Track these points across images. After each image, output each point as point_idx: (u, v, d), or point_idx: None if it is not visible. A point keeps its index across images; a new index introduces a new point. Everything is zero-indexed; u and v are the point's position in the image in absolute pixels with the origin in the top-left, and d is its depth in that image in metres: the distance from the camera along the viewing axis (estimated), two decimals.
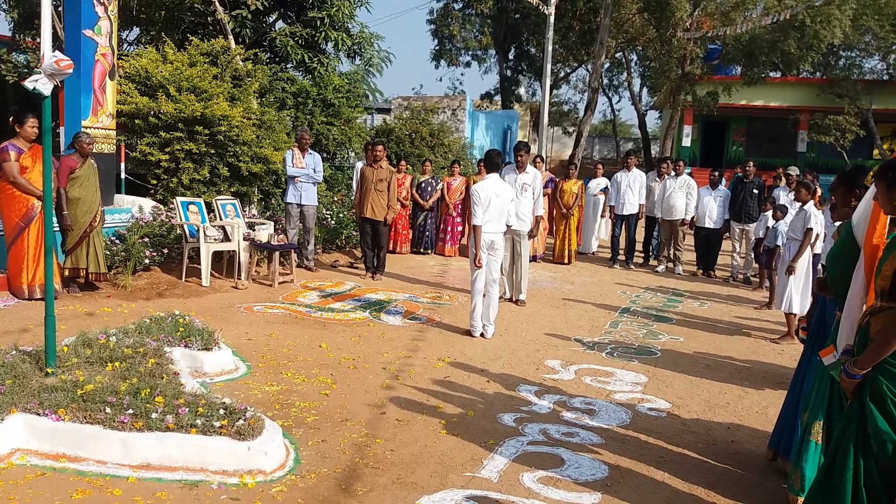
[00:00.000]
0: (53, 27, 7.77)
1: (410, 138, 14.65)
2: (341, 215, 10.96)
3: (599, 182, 12.77)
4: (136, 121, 9.22)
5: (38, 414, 3.66)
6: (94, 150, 7.51)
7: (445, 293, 8.70)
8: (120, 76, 9.21)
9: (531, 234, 8.32)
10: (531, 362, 5.97)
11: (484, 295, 6.66)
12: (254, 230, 8.77)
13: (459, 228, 12.03)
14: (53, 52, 4.35)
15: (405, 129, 14.83)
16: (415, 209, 11.80)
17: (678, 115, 22.29)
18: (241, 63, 10.73)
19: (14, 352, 4.52)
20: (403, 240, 11.79)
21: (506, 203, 6.71)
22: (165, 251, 8.27)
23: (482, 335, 6.64)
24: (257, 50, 11.37)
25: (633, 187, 11.50)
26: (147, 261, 8.00)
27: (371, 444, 4.08)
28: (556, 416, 4.73)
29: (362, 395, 4.88)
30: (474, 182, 11.75)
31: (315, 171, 9.39)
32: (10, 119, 6.72)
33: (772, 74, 24.31)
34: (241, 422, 3.67)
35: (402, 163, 11.89)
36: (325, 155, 11.34)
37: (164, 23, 12.15)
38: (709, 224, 11.01)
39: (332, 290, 8.45)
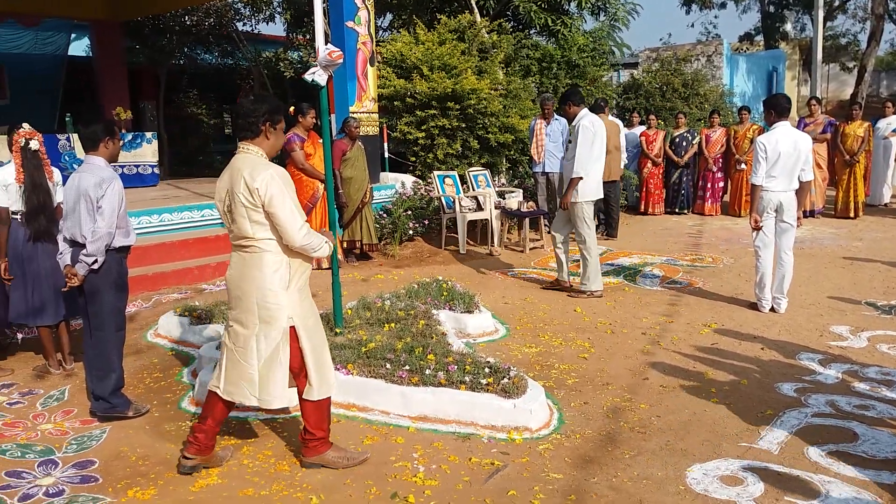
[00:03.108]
0: None
1: (661, 91, 13.88)
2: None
3: (891, 122, 10.99)
4: (395, 102, 9.88)
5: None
6: (361, 133, 8.22)
7: (707, 255, 8.16)
8: (378, 62, 9.93)
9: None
10: (813, 328, 5.36)
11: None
12: (504, 198, 8.99)
13: (721, 184, 11.20)
14: (326, 45, 4.77)
15: (655, 81, 14.08)
16: (668, 166, 11.20)
17: None
18: (486, 35, 10.96)
19: None
20: (656, 200, 11.29)
21: (799, 156, 5.64)
22: (426, 222, 8.84)
23: (773, 310, 5.84)
24: (501, 20, 11.53)
25: None
26: (411, 231, 8.62)
27: (635, 408, 3.98)
28: (845, 387, 4.21)
29: (622, 360, 4.78)
30: (735, 132, 10.89)
31: (563, 136, 9.34)
32: (292, 110, 7.58)
33: None
34: (505, 380, 3.80)
35: (653, 118, 11.33)
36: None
37: (413, 5, 12.82)
38: None
39: None
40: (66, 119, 10.34)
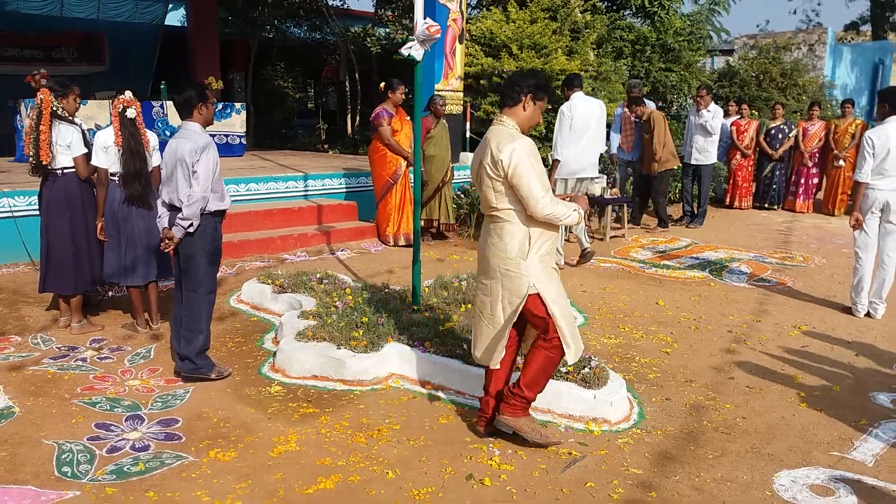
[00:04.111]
0: None
1: (757, 80, 13.26)
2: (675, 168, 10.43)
3: None
4: (481, 81, 9.78)
5: (409, 345, 4.13)
6: (445, 111, 8.17)
7: (798, 254, 7.79)
8: (466, 39, 9.83)
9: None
10: None
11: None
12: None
13: (815, 181, 10.64)
14: (424, 19, 4.71)
15: (751, 70, 13.46)
16: (760, 159, 10.71)
17: None
18: (579, 15, 10.70)
19: (386, 290, 5.19)
20: (744, 193, 10.82)
21: None
22: None
23: (868, 315, 5.54)
24: (595, 0, 11.23)
25: None
26: None
27: (719, 408, 3.83)
28: None
29: (706, 357, 4.61)
30: (835, 127, 10.30)
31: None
32: (382, 86, 7.58)
33: None
34: (585, 370, 3.72)
35: (745, 107, 10.84)
36: (660, 104, 10.81)
37: None
38: None
39: (667, 246, 8.12)
40: (162, 87, 10.70)
